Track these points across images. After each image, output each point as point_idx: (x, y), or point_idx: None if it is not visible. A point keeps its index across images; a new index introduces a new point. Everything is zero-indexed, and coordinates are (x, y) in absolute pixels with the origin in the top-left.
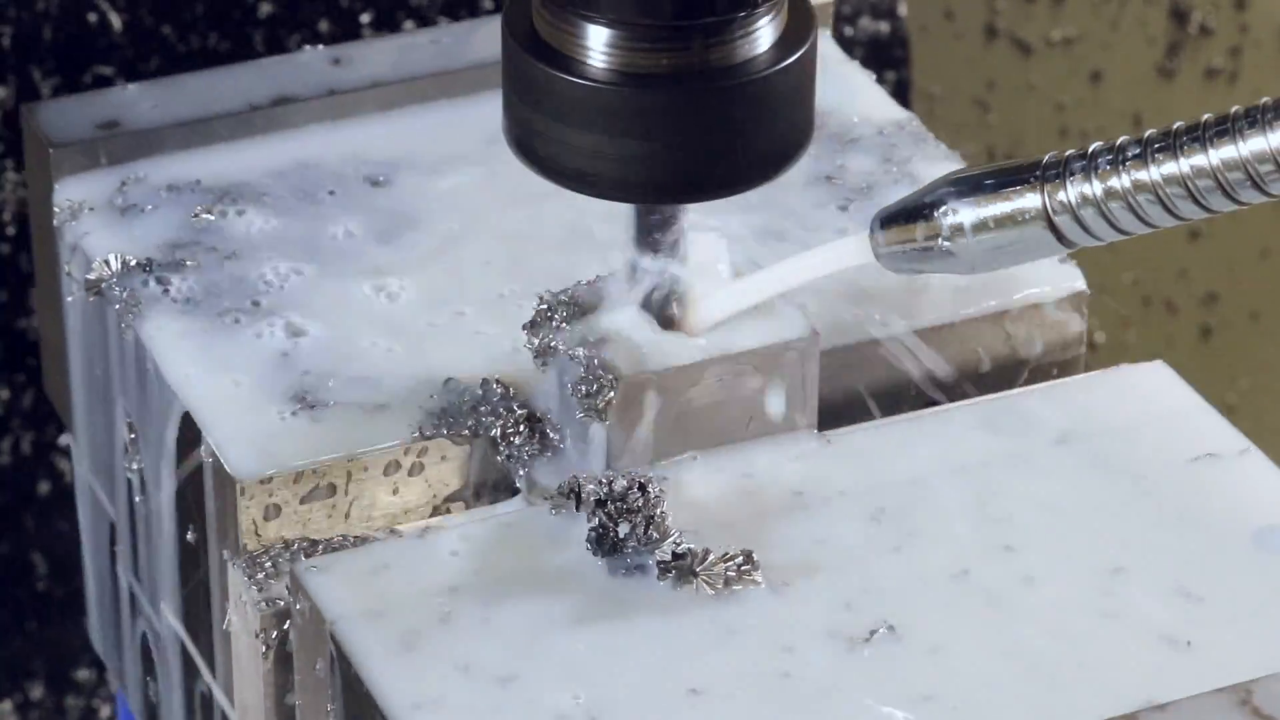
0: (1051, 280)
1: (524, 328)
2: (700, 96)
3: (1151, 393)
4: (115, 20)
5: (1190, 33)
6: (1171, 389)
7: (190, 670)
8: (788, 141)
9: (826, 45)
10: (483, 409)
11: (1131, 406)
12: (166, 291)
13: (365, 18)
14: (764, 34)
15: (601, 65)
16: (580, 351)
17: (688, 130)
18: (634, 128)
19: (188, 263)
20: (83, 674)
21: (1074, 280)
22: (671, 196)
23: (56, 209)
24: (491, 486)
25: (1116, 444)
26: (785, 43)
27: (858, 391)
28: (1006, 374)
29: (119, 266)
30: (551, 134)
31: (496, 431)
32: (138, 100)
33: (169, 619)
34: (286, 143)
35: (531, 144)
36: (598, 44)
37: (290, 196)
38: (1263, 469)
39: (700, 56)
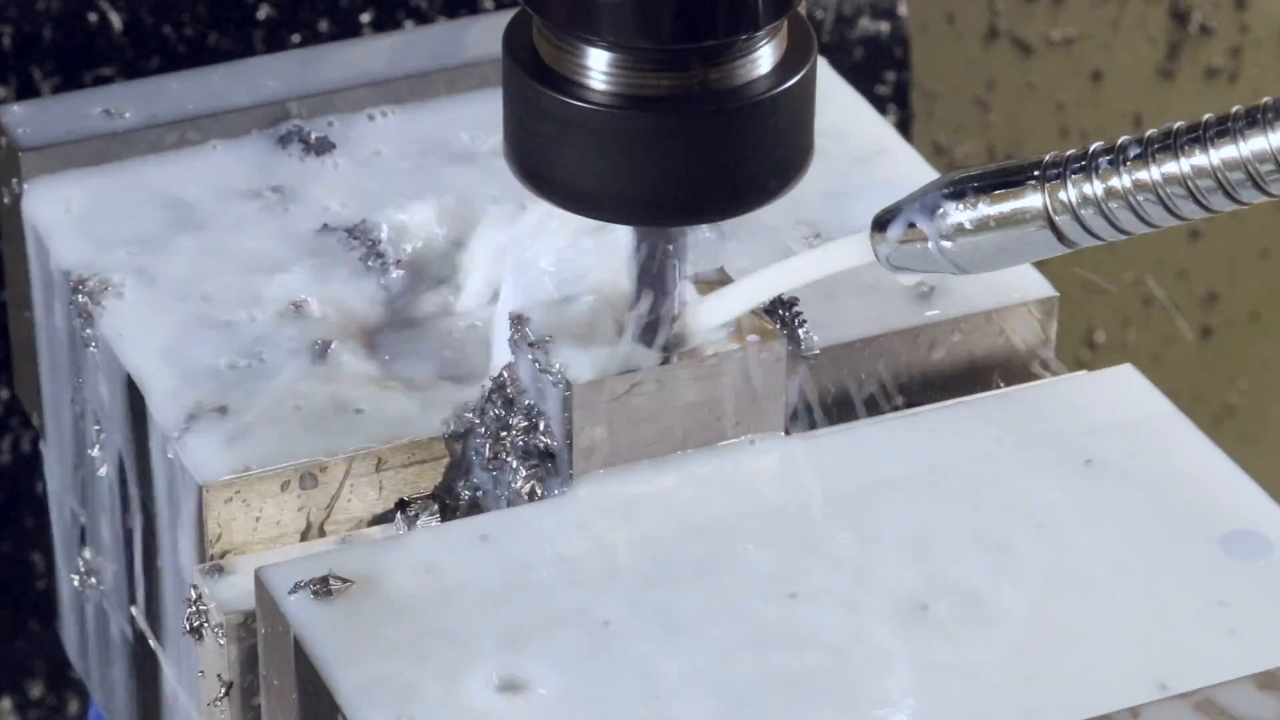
0: (1020, 286)
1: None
2: (700, 119)
3: (1120, 398)
4: (115, 20)
5: (1190, 33)
6: (1140, 394)
7: (156, 673)
8: (788, 163)
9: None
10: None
11: (1099, 412)
12: (130, 293)
13: (365, 17)
14: (764, 57)
15: (601, 88)
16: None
17: (687, 152)
18: (633, 150)
19: (154, 263)
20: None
21: (1041, 286)
22: (670, 218)
23: (27, 217)
24: (454, 495)
25: (1083, 449)
26: (785, 65)
27: (826, 395)
28: (973, 379)
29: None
30: (550, 155)
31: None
32: (109, 103)
33: (136, 622)
34: (259, 145)
35: (531, 165)
36: (598, 66)
37: (268, 196)
38: (1231, 474)
39: (700, 79)
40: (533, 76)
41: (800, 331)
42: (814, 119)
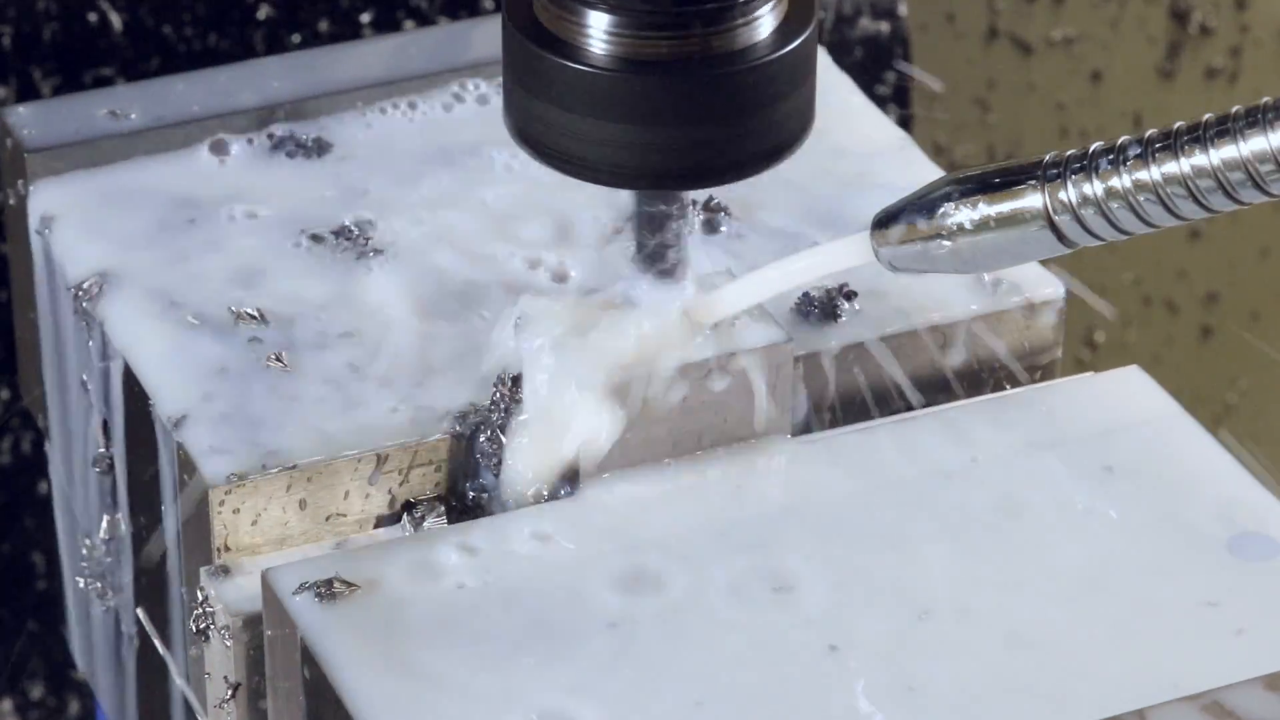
0: (1029, 285)
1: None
2: (700, 83)
3: (1126, 399)
4: (115, 20)
5: (1190, 33)
6: (1146, 395)
7: (162, 674)
8: (788, 129)
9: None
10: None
11: (1106, 413)
12: (134, 294)
13: (365, 18)
14: (764, 21)
15: (602, 51)
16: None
17: (688, 117)
18: (634, 114)
19: (158, 264)
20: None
21: (1051, 286)
22: (671, 183)
23: (31, 217)
24: (460, 497)
25: (1090, 450)
26: (785, 30)
27: (830, 398)
28: (981, 379)
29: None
30: (551, 120)
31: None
32: (114, 104)
33: (141, 623)
34: (262, 146)
35: (531, 130)
36: (598, 30)
37: (272, 201)
38: (1238, 476)
39: (700, 43)
40: (531, 40)
41: (837, 320)
42: (815, 85)
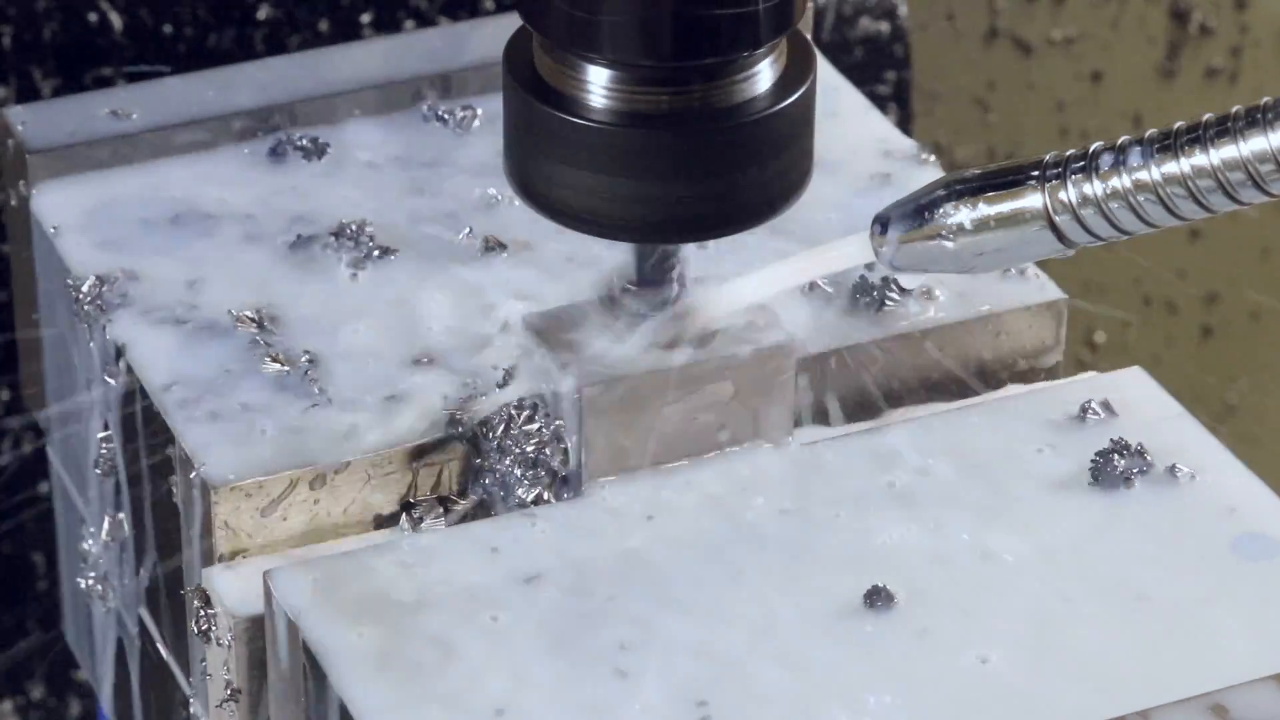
0: (1027, 288)
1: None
2: (700, 137)
3: (1129, 399)
4: (115, 20)
5: (1190, 33)
6: (1149, 395)
7: (163, 675)
8: (787, 181)
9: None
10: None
11: (1108, 413)
12: (137, 295)
13: (365, 18)
14: (763, 75)
15: (602, 105)
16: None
17: (687, 170)
18: (634, 167)
19: (161, 265)
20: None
21: (1049, 289)
22: (671, 236)
23: (32, 217)
24: (462, 497)
25: (1091, 451)
26: (785, 83)
27: (832, 398)
28: (982, 381)
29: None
30: (551, 173)
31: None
32: (116, 104)
33: (142, 624)
34: (264, 148)
35: (532, 183)
36: (598, 84)
37: (272, 202)
38: (1240, 476)
39: (700, 97)
40: (532, 93)
41: (886, 303)
42: (814, 136)
